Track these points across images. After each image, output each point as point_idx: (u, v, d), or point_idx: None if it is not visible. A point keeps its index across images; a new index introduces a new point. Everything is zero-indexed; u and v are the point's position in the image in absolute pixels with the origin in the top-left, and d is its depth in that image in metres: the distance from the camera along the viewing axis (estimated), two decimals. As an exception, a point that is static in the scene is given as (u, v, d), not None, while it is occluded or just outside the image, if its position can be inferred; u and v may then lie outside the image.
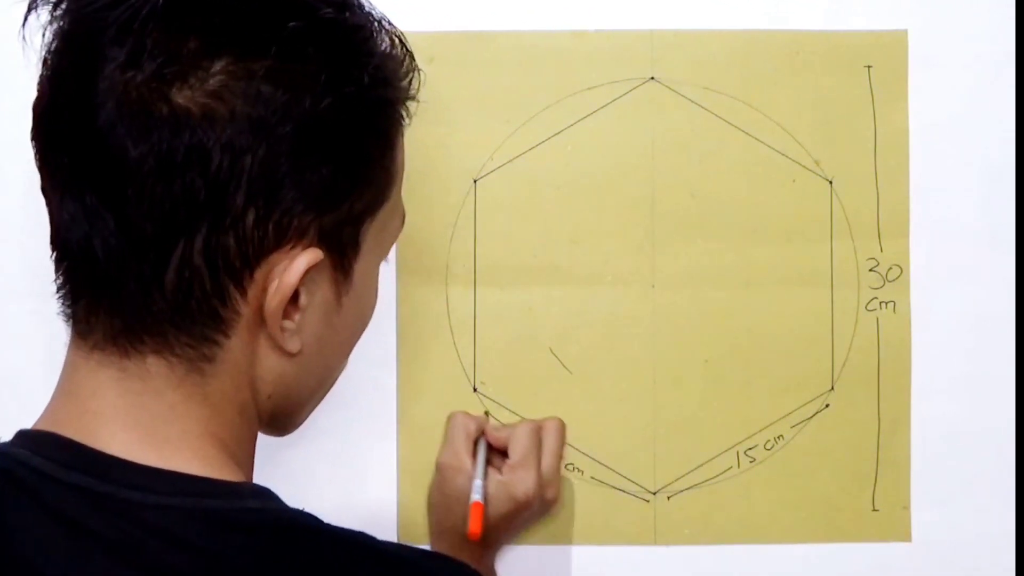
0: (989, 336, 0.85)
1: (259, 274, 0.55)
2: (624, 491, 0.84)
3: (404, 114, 0.61)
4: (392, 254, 0.83)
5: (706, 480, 0.84)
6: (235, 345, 0.56)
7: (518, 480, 0.78)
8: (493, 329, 0.84)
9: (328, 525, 0.56)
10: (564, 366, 0.84)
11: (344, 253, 0.58)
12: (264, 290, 0.55)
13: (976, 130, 0.85)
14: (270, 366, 0.58)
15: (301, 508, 0.56)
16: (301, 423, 0.66)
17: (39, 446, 0.55)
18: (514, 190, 0.84)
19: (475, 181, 0.84)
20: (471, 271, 0.84)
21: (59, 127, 0.54)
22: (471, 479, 0.79)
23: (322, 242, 0.56)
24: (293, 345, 0.57)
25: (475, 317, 0.84)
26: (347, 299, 0.60)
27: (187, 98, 0.51)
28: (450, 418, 0.83)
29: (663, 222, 0.85)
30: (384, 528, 0.83)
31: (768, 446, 0.85)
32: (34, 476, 0.54)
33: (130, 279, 0.53)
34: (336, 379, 0.67)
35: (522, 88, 0.84)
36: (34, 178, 0.55)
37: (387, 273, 0.83)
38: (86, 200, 0.53)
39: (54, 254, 0.56)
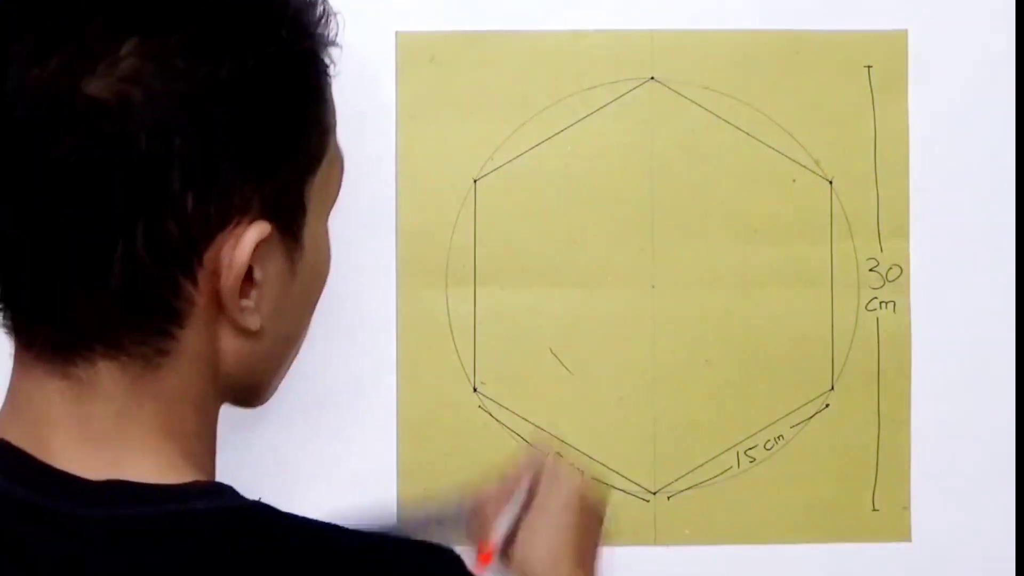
0: (989, 336, 0.85)
1: (207, 258, 0.52)
2: (624, 491, 0.84)
3: (328, 62, 0.58)
4: (392, 257, 0.83)
5: (706, 480, 0.84)
6: (191, 334, 0.54)
7: (560, 485, 0.70)
8: (493, 329, 0.84)
9: (287, 517, 0.53)
10: (564, 366, 0.84)
11: (291, 218, 0.56)
12: (215, 273, 0.53)
13: (976, 130, 0.85)
14: (231, 348, 0.56)
15: (258, 499, 0.53)
16: (270, 395, 0.64)
17: None
18: (514, 190, 0.84)
19: (475, 181, 0.84)
20: (471, 271, 0.84)
21: None
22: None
23: (267, 212, 0.54)
24: (253, 323, 0.55)
25: (475, 317, 0.84)
26: (301, 263, 0.58)
27: (100, 87, 0.49)
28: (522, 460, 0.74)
29: (663, 222, 0.85)
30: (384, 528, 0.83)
31: (768, 446, 0.85)
32: None
33: (72, 288, 0.51)
34: (300, 345, 0.64)
35: (522, 88, 0.84)
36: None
37: (387, 273, 0.84)
38: (12, 210, 0.50)
39: None
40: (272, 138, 0.53)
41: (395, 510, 0.83)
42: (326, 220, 0.61)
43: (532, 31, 0.84)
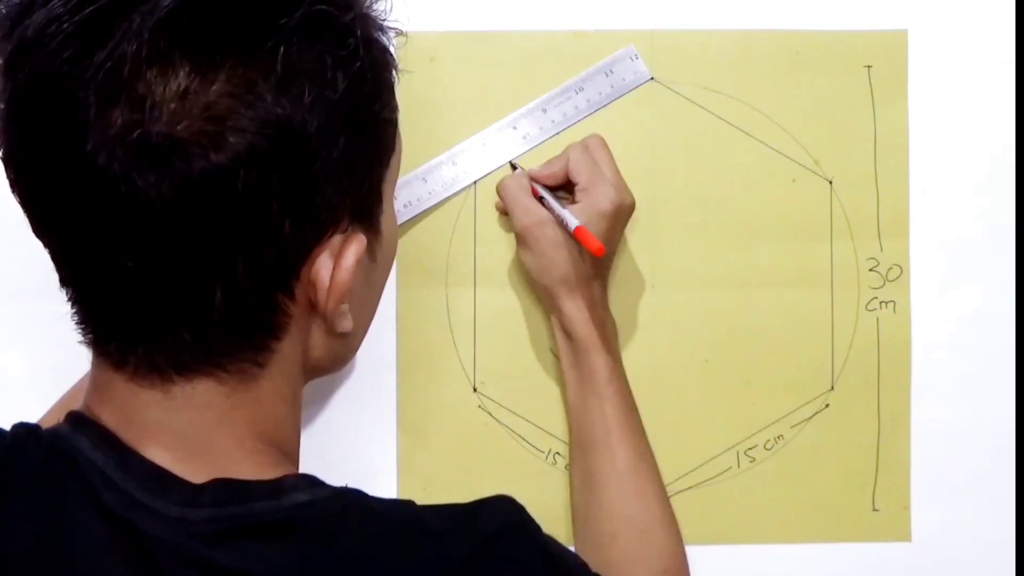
0: (989, 336, 0.85)
1: (304, 272, 0.53)
2: (624, 491, 0.84)
3: (393, 52, 0.58)
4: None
5: (706, 480, 0.84)
6: (287, 343, 0.55)
7: (599, 196, 0.76)
8: (493, 329, 0.84)
9: (375, 500, 0.55)
10: (564, 366, 0.84)
11: (373, 214, 0.57)
12: (310, 283, 0.54)
13: (976, 130, 0.85)
14: (323, 346, 0.58)
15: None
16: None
17: (96, 439, 0.53)
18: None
19: (475, 181, 0.84)
20: (471, 271, 0.84)
21: (55, 188, 0.49)
22: (554, 221, 0.77)
23: (354, 215, 0.54)
24: (347, 325, 0.57)
25: (475, 317, 0.84)
26: (380, 251, 0.59)
27: (193, 130, 0.48)
28: (500, 187, 0.81)
29: (663, 222, 0.85)
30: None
31: (768, 446, 0.85)
32: (95, 473, 0.52)
33: (174, 319, 0.51)
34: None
35: (522, 88, 0.84)
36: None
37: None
38: (112, 260, 0.50)
39: (67, 291, 0.53)
40: (360, 150, 0.53)
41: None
42: (392, 196, 0.61)
43: (532, 31, 0.84)
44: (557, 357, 0.83)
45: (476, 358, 0.84)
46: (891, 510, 0.85)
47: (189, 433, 0.54)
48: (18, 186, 0.51)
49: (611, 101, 0.84)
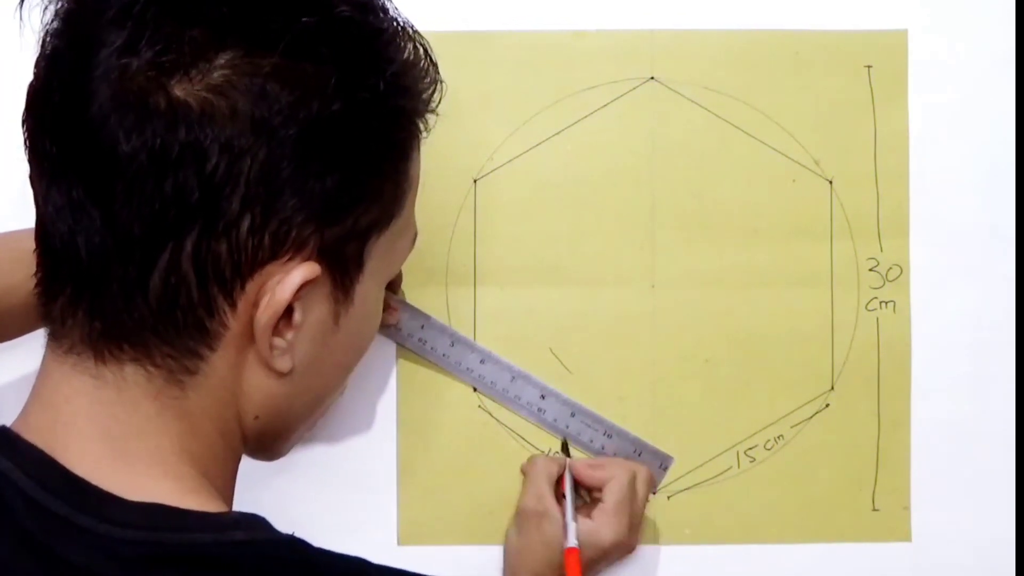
0: (989, 336, 0.85)
1: (251, 286, 0.51)
2: (624, 491, 0.84)
3: (421, 126, 0.58)
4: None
5: (706, 480, 0.84)
6: (220, 360, 0.53)
7: (610, 527, 0.77)
8: (493, 329, 0.84)
9: (321, 552, 0.52)
10: (564, 366, 0.84)
11: (346, 270, 0.55)
12: (255, 304, 0.52)
13: (976, 130, 0.85)
14: (257, 384, 0.55)
15: (291, 532, 0.53)
16: (289, 449, 0.63)
17: (20, 458, 0.52)
18: (514, 190, 0.84)
19: (475, 181, 0.84)
20: (471, 271, 0.84)
21: (49, 113, 0.51)
22: (560, 524, 0.77)
23: (322, 257, 0.52)
24: (283, 364, 0.54)
25: (475, 317, 0.84)
26: (345, 320, 0.56)
27: (186, 91, 0.48)
28: (530, 461, 0.81)
29: (663, 222, 0.85)
30: (384, 528, 0.83)
31: (768, 446, 0.85)
32: (14, 495, 0.51)
33: (113, 280, 0.50)
34: (329, 405, 0.64)
35: (522, 88, 0.84)
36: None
37: (387, 273, 0.84)
38: (72, 193, 0.50)
39: (36, 249, 0.54)
40: (342, 185, 0.52)
41: (395, 510, 0.83)
42: (381, 288, 0.60)
43: (532, 31, 0.84)
44: (557, 357, 0.83)
45: (476, 358, 0.84)
46: (891, 510, 0.85)
47: (115, 433, 0.52)
48: (28, 112, 0.53)
49: (612, 100, 0.84)
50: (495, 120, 0.84)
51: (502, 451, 0.84)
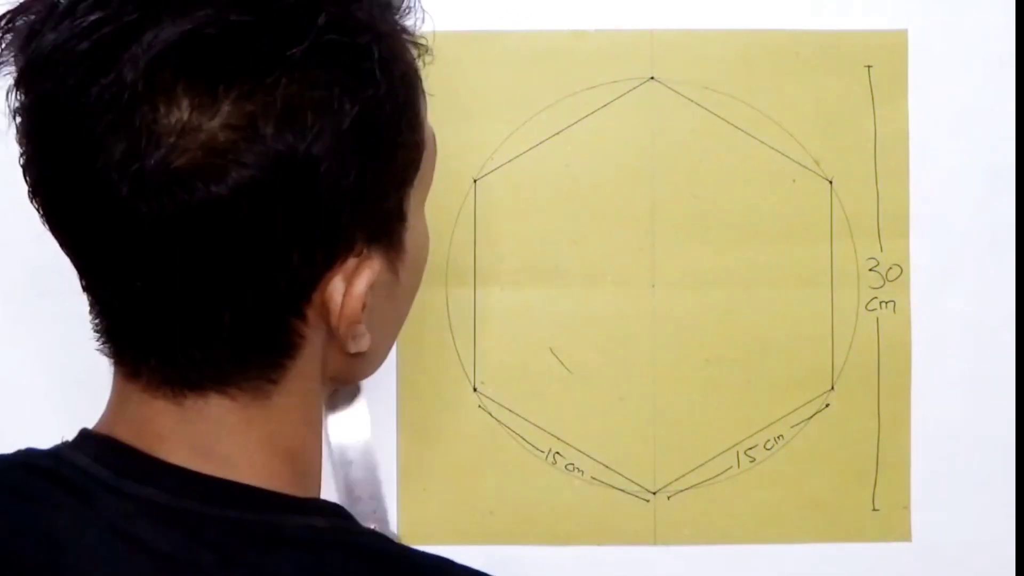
0: (989, 336, 0.85)
1: (316, 295, 0.52)
2: (624, 491, 0.84)
3: (420, 64, 0.56)
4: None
5: (706, 480, 0.84)
6: (301, 362, 0.54)
7: None
8: (493, 329, 0.84)
9: (401, 548, 0.54)
10: (564, 366, 0.84)
11: (393, 231, 0.55)
12: (324, 306, 0.52)
13: (976, 130, 0.85)
14: (339, 365, 0.56)
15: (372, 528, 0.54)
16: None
17: (98, 451, 0.53)
18: (514, 190, 0.84)
19: (475, 181, 0.84)
20: (471, 271, 0.84)
21: (69, 202, 0.50)
22: None
23: (370, 237, 0.53)
24: (364, 344, 0.55)
25: (475, 317, 0.84)
26: (403, 266, 0.57)
27: (193, 163, 0.47)
28: None
29: (663, 222, 0.85)
30: (384, 528, 0.83)
31: (768, 446, 0.85)
32: (89, 482, 0.52)
33: (183, 335, 0.51)
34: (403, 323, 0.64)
35: (522, 88, 0.84)
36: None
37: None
38: (122, 278, 0.50)
39: (88, 296, 0.53)
40: (375, 177, 0.52)
41: (395, 510, 0.83)
42: (423, 208, 0.59)
43: (532, 31, 0.84)
44: (557, 357, 0.83)
45: (476, 358, 0.84)
46: (891, 510, 0.85)
47: (204, 445, 0.53)
48: (36, 193, 0.51)
49: (612, 100, 0.84)
50: (495, 120, 0.84)
51: (502, 451, 0.84)
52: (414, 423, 0.84)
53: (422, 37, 0.57)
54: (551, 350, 0.84)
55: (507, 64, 0.84)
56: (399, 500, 0.84)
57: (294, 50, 0.48)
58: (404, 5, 0.55)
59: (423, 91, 0.57)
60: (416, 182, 0.57)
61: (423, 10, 0.57)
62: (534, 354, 0.84)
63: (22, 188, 0.56)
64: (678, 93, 0.85)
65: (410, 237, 0.57)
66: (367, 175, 0.51)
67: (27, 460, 0.55)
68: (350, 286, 0.52)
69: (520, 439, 0.84)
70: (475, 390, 0.84)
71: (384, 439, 0.83)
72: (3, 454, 0.56)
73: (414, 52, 0.57)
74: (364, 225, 0.52)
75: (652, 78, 0.85)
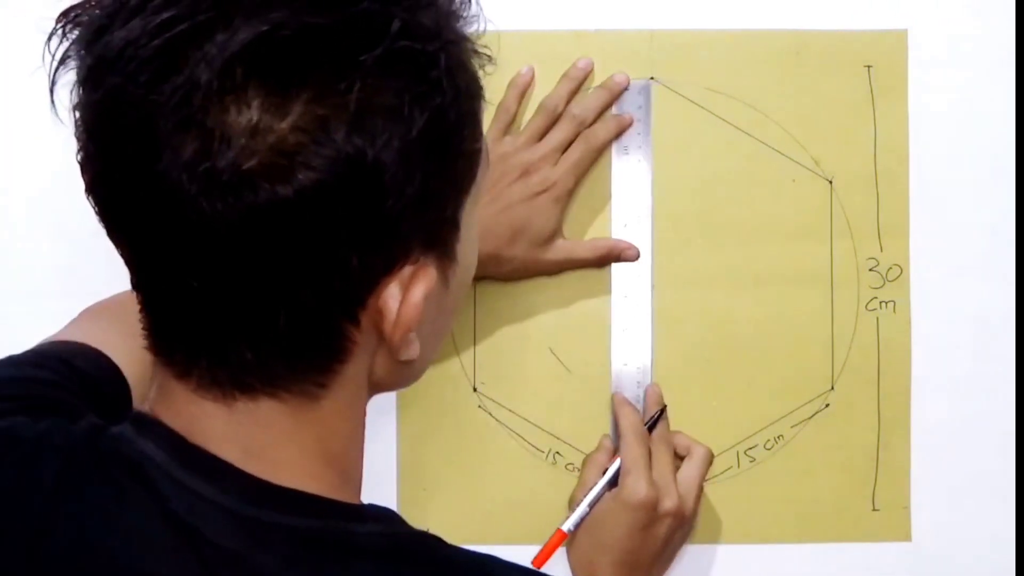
0: (989, 336, 0.85)
1: (371, 301, 0.52)
2: (624, 491, 0.84)
3: (481, 67, 0.57)
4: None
5: (706, 480, 0.84)
6: (351, 367, 0.54)
7: (626, 486, 0.79)
8: (493, 329, 0.84)
9: (453, 549, 0.54)
10: (564, 366, 0.84)
11: (447, 241, 0.55)
12: (379, 311, 0.52)
13: (976, 130, 0.85)
14: (385, 372, 0.56)
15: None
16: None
17: (162, 441, 0.53)
18: (514, 190, 0.84)
19: (475, 181, 0.84)
20: (471, 271, 0.84)
21: (127, 200, 0.49)
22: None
23: (426, 245, 0.53)
24: (413, 351, 0.55)
25: (475, 317, 0.84)
26: (453, 275, 0.56)
27: (262, 164, 0.47)
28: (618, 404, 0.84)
29: (663, 222, 0.85)
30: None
31: (768, 446, 0.85)
32: (160, 475, 0.52)
33: (236, 337, 0.50)
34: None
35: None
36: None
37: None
38: (178, 277, 0.49)
39: (138, 295, 0.53)
40: (438, 185, 0.51)
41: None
42: (475, 218, 0.59)
43: (532, 31, 0.84)
44: (557, 357, 0.83)
45: (476, 358, 0.84)
46: (891, 510, 0.85)
47: (254, 447, 0.53)
48: (93, 191, 0.51)
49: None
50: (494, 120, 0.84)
51: (502, 451, 0.84)
52: (414, 423, 0.84)
53: (485, 46, 0.56)
54: (551, 350, 0.84)
55: (507, 64, 0.84)
56: (399, 500, 0.84)
57: (368, 55, 0.48)
58: (469, 13, 0.55)
59: (484, 99, 0.57)
60: (472, 191, 0.56)
61: (486, 19, 0.56)
62: (534, 354, 0.84)
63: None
64: (678, 93, 0.85)
65: (461, 248, 0.56)
66: (430, 183, 0.50)
67: (94, 434, 0.54)
68: (407, 293, 0.52)
69: (520, 439, 0.84)
70: (475, 390, 0.84)
71: (384, 439, 0.83)
72: (72, 427, 0.55)
73: (476, 61, 0.56)
74: (422, 233, 0.52)
75: (652, 78, 0.85)
